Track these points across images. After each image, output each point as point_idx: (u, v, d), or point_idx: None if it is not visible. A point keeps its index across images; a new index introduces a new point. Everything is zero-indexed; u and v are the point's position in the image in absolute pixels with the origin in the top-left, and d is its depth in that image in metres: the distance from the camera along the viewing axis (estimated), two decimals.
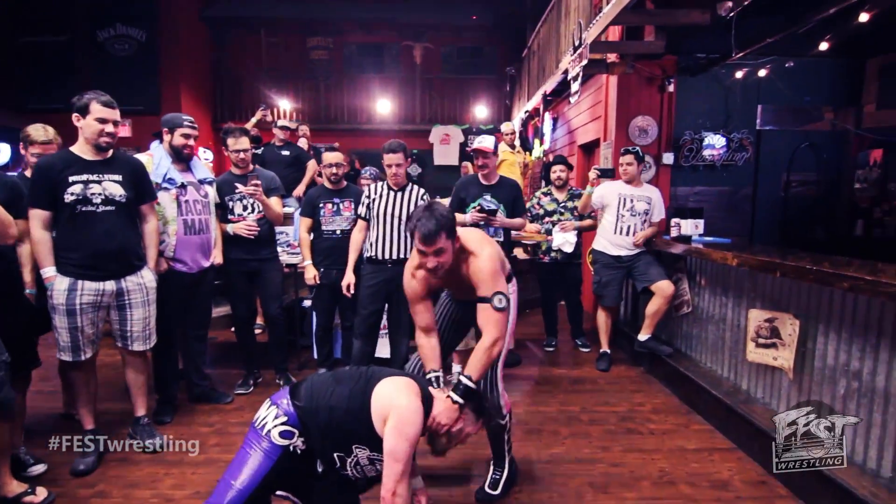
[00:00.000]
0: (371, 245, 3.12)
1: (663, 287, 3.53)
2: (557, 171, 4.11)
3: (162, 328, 2.63)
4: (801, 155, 5.17)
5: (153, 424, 2.68)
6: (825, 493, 2.06)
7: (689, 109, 4.84)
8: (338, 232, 3.29)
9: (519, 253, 6.37)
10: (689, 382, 3.23)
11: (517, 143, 7.18)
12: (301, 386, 1.71)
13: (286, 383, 3.24)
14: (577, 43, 3.71)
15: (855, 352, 2.17)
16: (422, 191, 3.17)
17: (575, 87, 3.98)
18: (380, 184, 3.18)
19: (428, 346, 1.98)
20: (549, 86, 6.05)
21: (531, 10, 8.31)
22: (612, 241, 3.73)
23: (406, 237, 3.05)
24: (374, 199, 3.11)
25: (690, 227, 3.59)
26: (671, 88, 4.50)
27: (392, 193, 3.12)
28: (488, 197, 3.33)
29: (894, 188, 5.43)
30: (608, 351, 3.97)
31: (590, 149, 5.83)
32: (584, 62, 3.56)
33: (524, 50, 8.27)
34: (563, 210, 4.10)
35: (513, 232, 3.60)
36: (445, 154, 10.10)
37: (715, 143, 4.86)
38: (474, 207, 3.30)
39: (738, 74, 4.74)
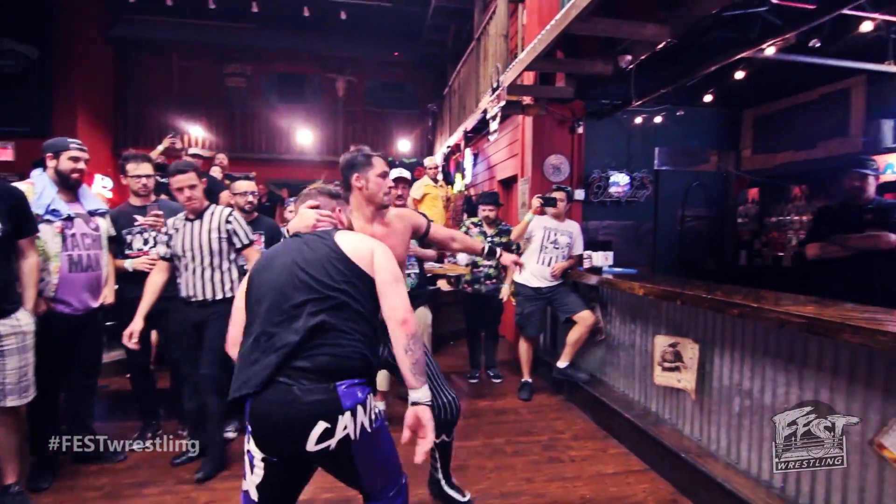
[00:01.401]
0: (179, 284, 2.71)
1: (585, 316, 3.71)
2: (486, 211, 4.14)
3: (42, 378, 2.33)
4: (693, 193, 5.76)
5: (27, 493, 2.33)
6: None
7: (597, 150, 5.25)
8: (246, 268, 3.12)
9: (442, 285, 6.45)
10: (604, 407, 3.38)
11: (440, 177, 7.35)
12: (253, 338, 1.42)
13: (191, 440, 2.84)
14: (495, 85, 3.92)
15: (746, 372, 2.39)
16: (226, 211, 2.71)
17: (493, 125, 4.18)
18: (179, 216, 2.73)
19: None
20: (470, 123, 6.29)
21: (452, 51, 8.71)
22: (533, 271, 3.88)
23: (212, 273, 2.64)
24: (171, 235, 2.68)
25: (601, 258, 3.84)
26: (580, 130, 4.86)
27: (189, 224, 2.67)
28: None
29: (769, 222, 6.21)
30: (530, 380, 4.06)
31: (508, 184, 6.09)
32: (502, 103, 3.76)
33: (445, 88, 8.55)
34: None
35: (433, 264, 3.61)
36: None
37: (619, 181, 5.28)
38: None
39: (638, 120, 5.24)
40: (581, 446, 3.13)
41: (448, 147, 7.94)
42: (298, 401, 1.33)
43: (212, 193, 4.81)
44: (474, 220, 4.25)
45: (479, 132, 6.72)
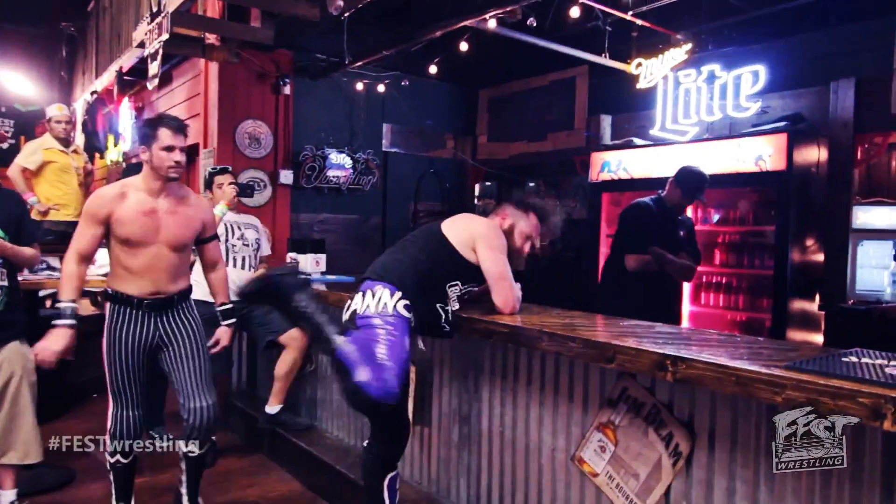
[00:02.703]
0: None
1: (295, 335, 3.68)
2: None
3: None
4: (427, 182, 6.44)
5: None
6: None
7: (310, 120, 5.37)
8: None
9: (84, 306, 5.62)
10: (312, 461, 3.44)
11: (77, 137, 6.43)
12: (373, 272, 2.37)
13: None
14: (155, 9, 3.62)
15: (464, 395, 2.75)
16: None
17: (153, 68, 3.86)
18: None
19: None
20: (127, 61, 5.69)
21: None
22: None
23: None
24: None
25: (310, 263, 3.93)
26: (287, 90, 4.89)
27: None
28: None
29: None
30: (213, 439, 3.86)
31: (188, 156, 5.71)
32: (165, 37, 3.49)
33: (91, 2, 7.58)
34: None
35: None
36: None
37: (341, 163, 5.52)
38: None
39: (359, 86, 5.56)
40: None
41: (94, 93, 7.04)
42: None
43: None
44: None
45: (141, 74, 6.13)
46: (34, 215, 5.11)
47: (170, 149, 2.55)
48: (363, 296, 2.29)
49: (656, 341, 1.93)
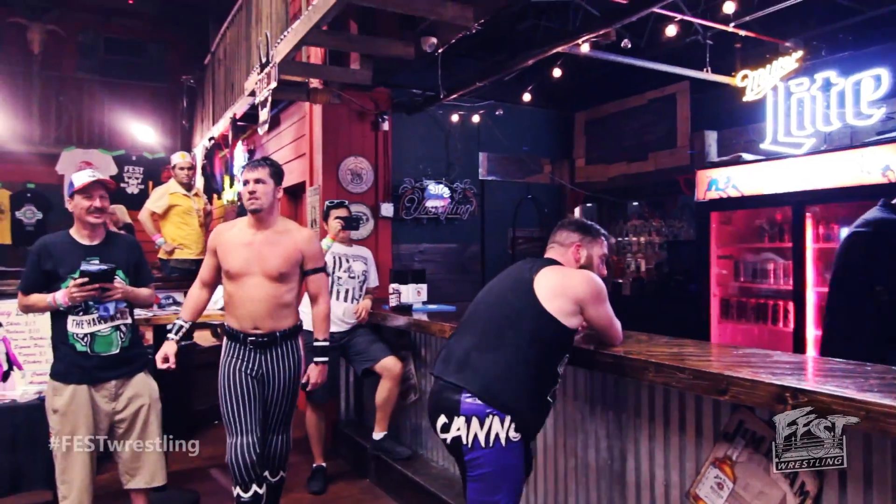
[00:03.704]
0: None
1: (389, 365, 3.81)
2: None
3: None
4: (525, 208, 6.45)
5: None
6: None
7: (409, 153, 5.55)
8: None
9: (205, 338, 6.05)
10: (419, 491, 3.50)
11: (198, 181, 6.98)
12: (474, 380, 2.09)
13: None
14: (264, 60, 3.90)
15: (568, 426, 2.72)
16: None
17: (263, 114, 4.14)
18: None
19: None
20: (240, 108, 6.12)
21: (214, 3, 8.42)
22: None
23: None
24: None
25: (412, 293, 4.02)
26: (386, 126, 5.09)
27: None
28: (95, 261, 2.87)
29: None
30: (323, 465, 4.02)
31: (296, 194, 6.05)
32: (273, 85, 3.76)
33: (207, 55, 8.23)
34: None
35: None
36: None
37: (441, 193, 5.65)
38: (74, 279, 2.79)
39: (455, 118, 5.69)
40: None
41: (211, 139, 7.61)
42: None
43: None
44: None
45: (254, 120, 6.58)
46: (161, 255, 5.59)
47: (246, 183, 2.88)
48: (468, 423, 2.04)
49: (773, 372, 1.84)
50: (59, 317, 2.85)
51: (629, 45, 4.28)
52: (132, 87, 9.91)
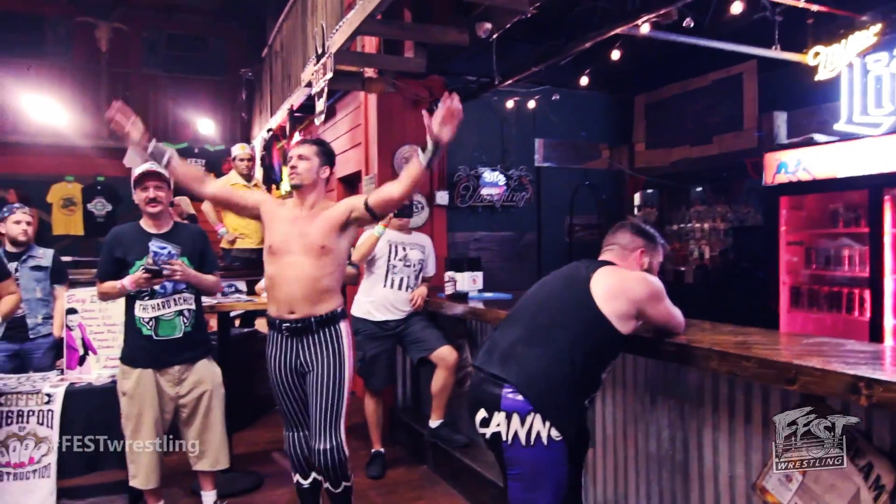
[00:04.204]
0: None
1: (444, 354, 3.85)
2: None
3: None
4: (582, 195, 6.36)
5: None
6: None
7: (464, 140, 5.55)
8: None
9: (265, 325, 6.23)
10: (476, 478, 3.54)
11: (257, 172, 7.17)
12: (519, 373, 2.03)
13: None
14: (320, 50, 3.97)
15: (628, 415, 2.70)
16: None
17: (320, 105, 4.23)
18: None
19: None
20: (297, 99, 6.26)
21: None
22: (377, 299, 3.96)
23: None
24: None
25: (468, 281, 4.05)
26: None
27: None
28: (160, 242, 3.03)
29: (670, 231, 7.08)
30: (381, 451, 4.10)
31: (352, 183, 6.15)
32: (329, 75, 3.83)
33: (264, 48, 8.43)
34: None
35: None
36: None
37: (494, 181, 5.64)
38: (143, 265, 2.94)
39: (510, 104, 5.65)
40: None
41: (269, 131, 7.81)
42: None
43: None
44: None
45: (311, 111, 6.71)
46: (223, 244, 5.78)
47: (289, 159, 2.87)
48: (508, 419, 2.00)
49: (846, 361, 1.78)
50: (128, 302, 3.01)
51: (692, 25, 4.15)
52: (194, 81, 10.25)
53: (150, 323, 2.99)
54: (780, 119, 5.70)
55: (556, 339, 2.06)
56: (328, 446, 2.72)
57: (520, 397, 1.98)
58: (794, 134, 5.54)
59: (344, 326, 2.87)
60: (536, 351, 2.06)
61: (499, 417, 2.01)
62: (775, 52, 4.91)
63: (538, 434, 1.97)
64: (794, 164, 4.96)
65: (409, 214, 4.00)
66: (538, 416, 1.97)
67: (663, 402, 2.52)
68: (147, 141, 2.75)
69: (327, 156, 2.90)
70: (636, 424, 2.66)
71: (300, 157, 2.83)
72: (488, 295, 4.07)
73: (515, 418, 1.98)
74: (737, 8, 4.09)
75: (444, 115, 2.49)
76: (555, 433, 1.97)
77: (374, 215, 2.77)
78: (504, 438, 2.01)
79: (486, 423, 2.05)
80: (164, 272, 2.86)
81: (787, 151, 5.07)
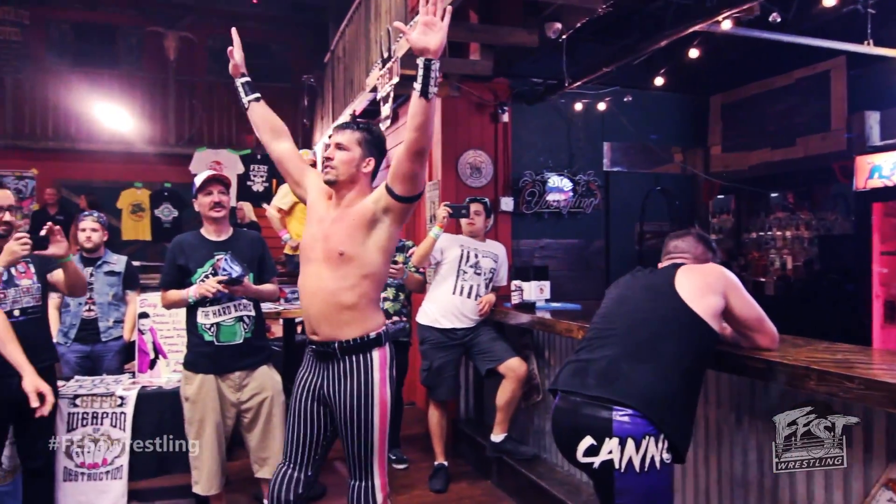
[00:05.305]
0: None
1: (514, 366, 3.80)
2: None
3: None
4: (653, 201, 6.21)
5: None
6: None
7: (529, 145, 5.51)
8: (16, 313, 2.91)
9: None
10: (543, 495, 3.48)
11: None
12: (630, 392, 1.95)
13: None
14: (386, 55, 4.02)
15: (712, 437, 2.60)
16: None
17: (386, 109, 4.26)
18: None
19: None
20: (360, 104, 6.35)
21: (335, 2, 8.79)
22: (444, 306, 3.94)
23: None
24: None
25: (534, 290, 3.99)
26: (506, 118, 5.08)
27: None
28: (227, 258, 3.02)
29: (748, 239, 6.84)
30: (445, 463, 4.08)
31: None
32: (395, 80, 3.86)
33: (327, 54, 8.59)
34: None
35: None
36: None
37: (560, 186, 5.57)
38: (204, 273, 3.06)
39: (578, 106, 5.58)
40: None
41: (331, 136, 7.93)
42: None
43: None
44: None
45: (373, 116, 6.81)
46: (286, 250, 5.91)
47: (327, 147, 2.40)
48: (622, 445, 1.90)
49: None
50: (191, 309, 3.09)
51: (778, 19, 4.00)
52: (257, 87, 10.47)
53: (212, 329, 3.06)
54: (873, 119, 5.42)
55: (665, 351, 2.00)
56: (360, 484, 2.39)
57: (629, 419, 1.91)
58: (888, 135, 5.27)
59: (378, 356, 2.37)
60: (645, 367, 1.98)
61: (611, 444, 1.91)
62: (868, 48, 4.69)
63: (652, 458, 1.92)
64: (889, 168, 4.72)
65: (466, 215, 3.94)
66: (652, 439, 1.90)
67: (750, 422, 2.42)
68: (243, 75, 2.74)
69: (373, 145, 2.40)
70: (720, 446, 2.56)
71: (337, 145, 2.35)
72: (556, 305, 4.01)
73: (630, 444, 1.90)
74: (830, 1, 3.91)
75: (425, 20, 2.04)
76: (666, 456, 1.92)
77: (396, 197, 2.23)
78: (617, 466, 1.91)
79: (593, 451, 1.94)
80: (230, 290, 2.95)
81: (882, 154, 4.83)
